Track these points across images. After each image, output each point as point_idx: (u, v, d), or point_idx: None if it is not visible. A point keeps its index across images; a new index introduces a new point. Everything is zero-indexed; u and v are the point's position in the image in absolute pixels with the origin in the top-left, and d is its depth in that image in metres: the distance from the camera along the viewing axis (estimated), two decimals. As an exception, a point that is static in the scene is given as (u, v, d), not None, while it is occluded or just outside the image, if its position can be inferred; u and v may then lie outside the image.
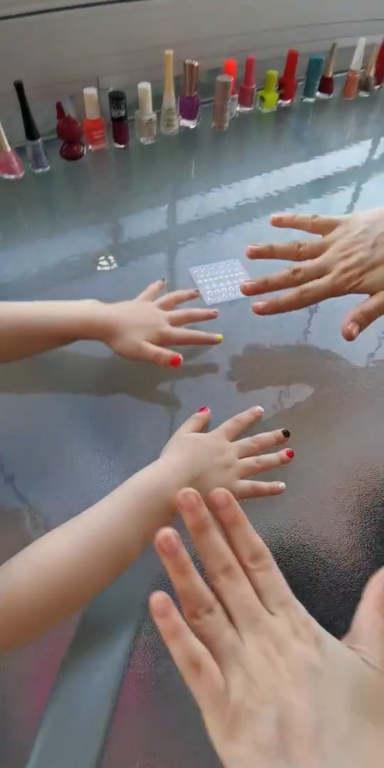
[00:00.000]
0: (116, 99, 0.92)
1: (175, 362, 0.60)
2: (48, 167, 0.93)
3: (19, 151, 0.90)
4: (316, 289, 0.59)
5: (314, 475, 0.58)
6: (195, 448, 0.52)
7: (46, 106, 0.91)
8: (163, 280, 0.72)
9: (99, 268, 0.79)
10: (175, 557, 0.31)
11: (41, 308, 0.59)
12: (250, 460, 0.54)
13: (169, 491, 0.46)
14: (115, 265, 0.80)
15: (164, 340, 0.63)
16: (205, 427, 0.58)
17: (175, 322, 0.66)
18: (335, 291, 0.59)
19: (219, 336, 0.66)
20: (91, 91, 0.91)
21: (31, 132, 0.87)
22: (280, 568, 0.34)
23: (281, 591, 0.33)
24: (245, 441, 0.56)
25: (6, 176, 0.90)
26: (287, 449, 0.56)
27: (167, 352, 0.60)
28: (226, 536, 0.35)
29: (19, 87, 0.82)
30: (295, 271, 0.60)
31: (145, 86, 0.95)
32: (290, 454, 0.56)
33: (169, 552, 0.31)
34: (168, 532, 0.32)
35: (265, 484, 0.53)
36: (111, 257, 0.80)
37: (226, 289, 0.76)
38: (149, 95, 0.96)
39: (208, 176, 0.99)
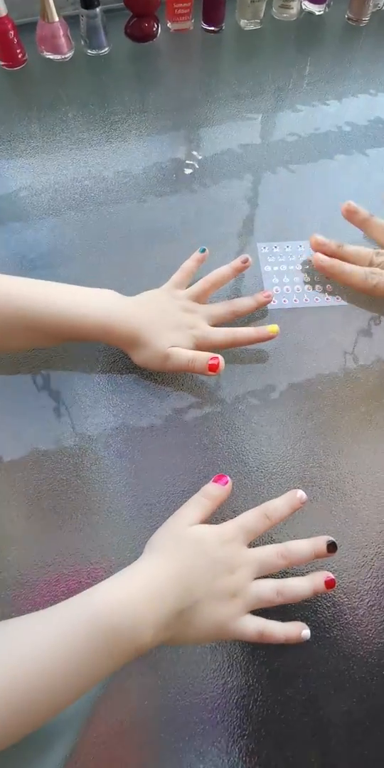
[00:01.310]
0: None
1: (213, 368, 0.45)
2: (106, 48, 0.70)
3: (71, 22, 0.67)
4: None
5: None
6: (194, 558, 0.37)
7: None
8: (203, 250, 0.52)
9: (151, 195, 0.59)
10: None
11: (51, 295, 0.44)
12: (268, 590, 0.38)
13: (139, 633, 0.32)
14: (176, 192, 0.60)
15: (201, 346, 0.47)
16: (218, 508, 0.41)
17: (216, 321, 0.49)
18: None
19: (273, 328, 0.49)
20: None
21: (87, -3, 0.64)
22: None
23: None
24: (268, 553, 0.39)
25: (50, 56, 0.68)
26: (326, 576, 0.39)
27: (203, 355, 0.46)
28: None
29: None
30: (372, 271, 0.52)
31: None
32: (330, 585, 0.39)
33: None
34: None
35: (279, 632, 0.37)
36: (174, 177, 0.61)
37: (302, 289, 0.54)
38: None
39: (325, 86, 0.72)
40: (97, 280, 0.47)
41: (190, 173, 0.61)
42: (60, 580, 0.40)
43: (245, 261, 0.51)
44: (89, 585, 0.34)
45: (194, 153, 0.63)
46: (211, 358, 0.45)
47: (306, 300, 0.53)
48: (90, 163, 0.61)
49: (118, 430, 0.46)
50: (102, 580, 0.34)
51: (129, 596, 0.33)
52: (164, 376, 0.49)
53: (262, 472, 0.45)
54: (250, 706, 0.38)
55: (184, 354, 0.45)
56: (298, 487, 0.41)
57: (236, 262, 0.51)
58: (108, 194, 0.59)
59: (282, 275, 0.55)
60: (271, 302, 0.52)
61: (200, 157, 0.63)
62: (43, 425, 0.46)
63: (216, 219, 0.58)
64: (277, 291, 0.53)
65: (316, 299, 0.53)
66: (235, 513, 0.41)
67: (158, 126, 0.65)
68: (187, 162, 0.62)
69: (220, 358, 0.45)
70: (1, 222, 0.56)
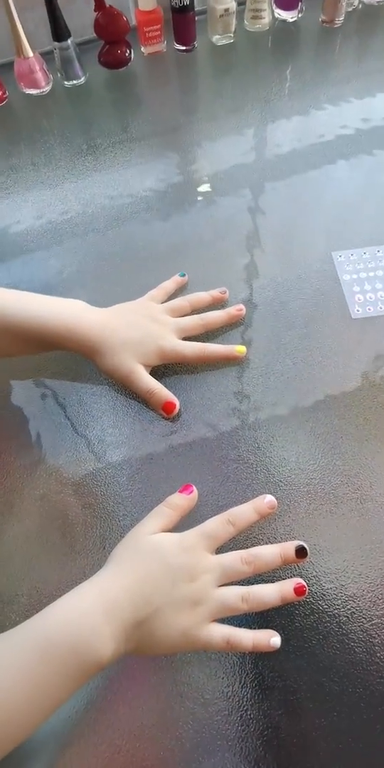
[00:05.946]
0: (179, -20, 0.67)
1: (167, 409, 0.46)
2: (82, 78, 0.73)
3: (46, 57, 0.70)
4: None
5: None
6: (151, 566, 0.36)
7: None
8: (183, 275, 0.53)
9: (143, 219, 0.60)
10: None
11: (22, 300, 0.46)
12: (232, 597, 0.36)
13: (97, 648, 0.31)
14: (168, 216, 0.60)
15: (167, 358, 0.48)
16: (183, 518, 0.40)
17: (186, 333, 0.49)
18: None
19: (240, 348, 0.49)
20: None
21: (58, 30, 0.66)
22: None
23: None
24: (232, 559, 0.37)
25: (28, 91, 0.71)
26: (296, 582, 0.37)
27: (161, 394, 0.46)
28: None
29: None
30: None
31: None
32: (300, 591, 0.37)
33: None
34: None
35: (247, 639, 0.36)
36: (166, 202, 0.61)
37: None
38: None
39: (310, 93, 0.72)
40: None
41: (166, 203, 0.62)
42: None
43: (224, 292, 0.52)
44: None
45: (175, 180, 0.64)
46: (168, 402, 0.46)
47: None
48: (65, 197, 0.62)
49: (137, 447, 0.46)
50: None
51: (84, 612, 0.32)
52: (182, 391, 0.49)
53: (289, 486, 0.44)
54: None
55: (144, 381, 0.46)
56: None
57: (215, 292, 0.52)
58: (94, 222, 0.60)
59: (363, 282, 0.53)
60: (358, 308, 0.51)
61: (208, 189, 0.63)
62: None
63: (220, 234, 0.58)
64: (359, 300, 0.52)
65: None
66: (259, 531, 0.41)
67: (139, 152, 0.66)
68: (199, 190, 0.63)
69: (176, 403, 0.46)
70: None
